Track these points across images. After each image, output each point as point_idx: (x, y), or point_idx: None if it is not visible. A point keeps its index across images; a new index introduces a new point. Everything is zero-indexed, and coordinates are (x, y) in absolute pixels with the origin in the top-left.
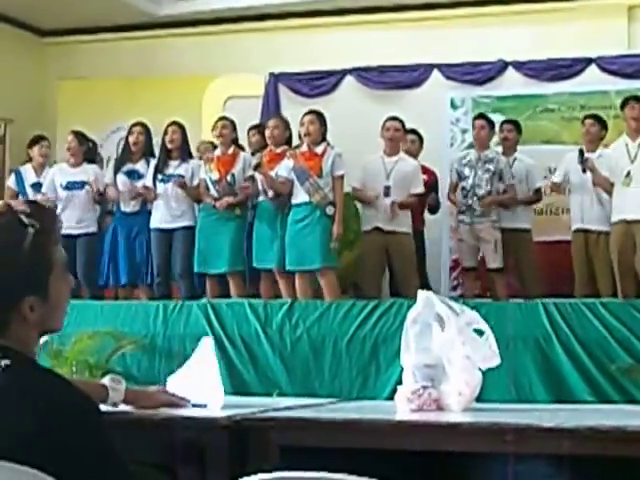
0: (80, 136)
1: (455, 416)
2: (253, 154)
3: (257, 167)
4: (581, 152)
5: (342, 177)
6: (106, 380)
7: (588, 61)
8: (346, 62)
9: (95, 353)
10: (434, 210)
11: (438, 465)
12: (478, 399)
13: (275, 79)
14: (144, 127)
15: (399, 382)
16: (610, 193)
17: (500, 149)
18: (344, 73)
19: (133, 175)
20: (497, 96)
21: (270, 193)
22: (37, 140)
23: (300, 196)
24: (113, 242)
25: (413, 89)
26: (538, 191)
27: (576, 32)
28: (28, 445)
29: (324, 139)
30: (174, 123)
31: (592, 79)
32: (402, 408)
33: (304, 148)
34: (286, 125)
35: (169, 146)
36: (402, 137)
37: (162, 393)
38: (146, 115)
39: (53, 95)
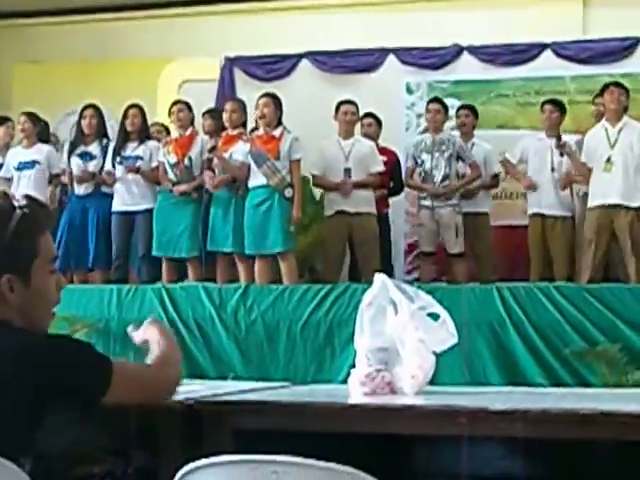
0: (33, 117)
1: (408, 399)
2: (210, 137)
3: (212, 150)
4: (558, 137)
5: (299, 160)
6: None
7: (543, 46)
8: (302, 46)
9: None
10: (396, 192)
11: (392, 447)
12: (432, 382)
13: (230, 63)
14: (96, 109)
15: (353, 366)
16: (587, 178)
17: (457, 133)
18: (300, 57)
19: (85, 157)
20: (452, 81)
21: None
22: (2, 121)
23: (258, 179)
24: (67, 225)
25: (369, 73)
26: (496, 176)
27: (531, 17)
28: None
29: (280, 122)
30: (134, 106)
31: (547, 64)
32: (355, 391)
33: (261, 132)
34: (244, 108)
35: (129, 128)
36: (356, 120)
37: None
38: (101, 98)
39: (8, 78)
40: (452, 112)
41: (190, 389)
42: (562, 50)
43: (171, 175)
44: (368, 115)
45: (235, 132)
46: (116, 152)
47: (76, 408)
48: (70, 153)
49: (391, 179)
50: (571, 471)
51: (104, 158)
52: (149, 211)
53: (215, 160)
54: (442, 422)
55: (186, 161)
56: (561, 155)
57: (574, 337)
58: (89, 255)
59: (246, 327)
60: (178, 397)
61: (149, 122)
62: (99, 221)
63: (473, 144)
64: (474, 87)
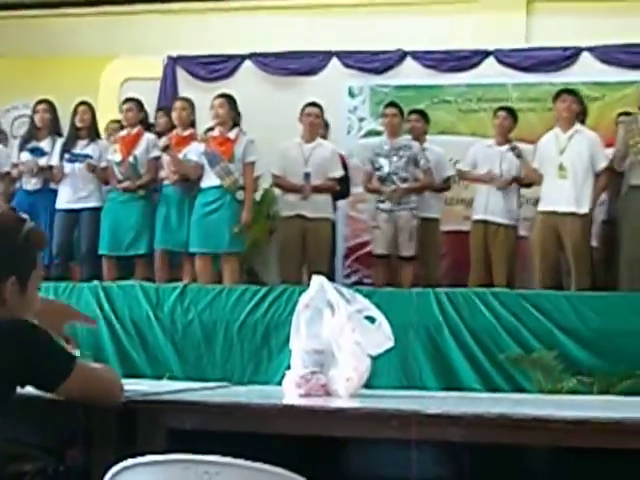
0: None
1: (342, 401)
2: (160, 135)
3: (166, 149)
4: (513, 147)
5: (253, 163)
6: None
7: (486, 53)
8: (246, 47)
9: None
10: (343, 196)
11: (326, 450)
12: (368, 386)
13: (173, 62)
14: (49, 104)
15: (289, 367)
16: (539, 184)
17: (410, 137)
18: (243, 58)
19: (36, 152)
20: (395, 85)
21: (175, 176)
22: None
23: (211, 180)
24: None
25: (311, 76)
26: (448, 180)
27: (475, 24)
28: None
29: (236, 124)
30: (84, 103)
31: (490, 71)
32: (290, 393)
33: (216, 132)
34: (192, 107)
35: (79, 125)
36: (320, 123)
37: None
38: (44, 94)
39: None
40: None
41: (126, 388)
42: (505, 58)
43: (117, 173)
44: None
45: (187, 133)
46: (65, 148)
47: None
48: (22, 147)
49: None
50: (504, 477)
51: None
52: (95, 209)
53: (168, 159)
54: (375, 425)
55: (131, 159)
56: (518, 157)
57: (510, 343)
58: None
59: (183, 327)
60: None
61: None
62: (47, 217)
63: (425, 149)
64: (416, 92)
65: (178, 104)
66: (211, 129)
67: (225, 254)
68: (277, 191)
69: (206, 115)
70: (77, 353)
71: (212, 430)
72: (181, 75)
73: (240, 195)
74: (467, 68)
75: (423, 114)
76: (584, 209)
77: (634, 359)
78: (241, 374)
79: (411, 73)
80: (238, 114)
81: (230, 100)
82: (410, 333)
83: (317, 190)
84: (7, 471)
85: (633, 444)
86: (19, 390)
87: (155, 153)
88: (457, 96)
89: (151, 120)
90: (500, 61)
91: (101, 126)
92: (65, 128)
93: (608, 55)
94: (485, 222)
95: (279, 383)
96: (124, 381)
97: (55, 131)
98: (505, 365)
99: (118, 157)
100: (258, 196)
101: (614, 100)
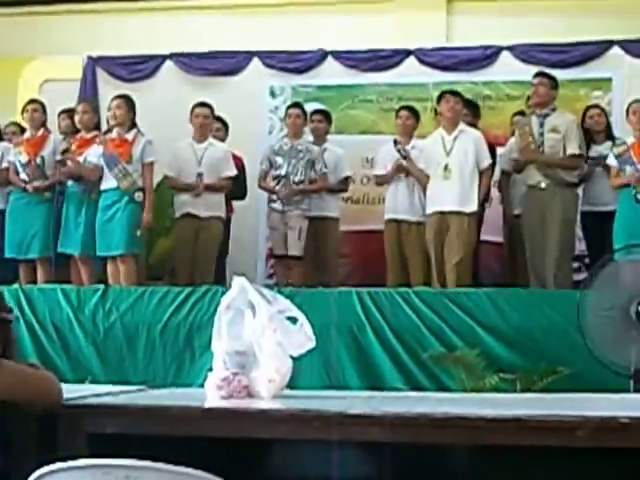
0: None
1: (264, 403)
2: (64, 138)
3: (65, 152)
4: (395, 142)
5: (152, 164)
6: None
7: (407, 53)
8: (167, 47)
9: None
10: (241, 197)
11: (249, 451)
12: (292, 386)
13: (93, 62)
14: None
15: (211, 369)
16: (425, 184)
17: (311, 140)
18: (163, 58)
19: None
20: (316, 85)
21: (78, 179)
22: None
23: (109, 182)
24: None
25: (233, 76)
26: (346, 180)
27: (396, 23)
28: None
29: (134, 125)
30: None
31: (410, 71)
32: (212, 395)
33: (114, 134)
34: (95, 110)
35: None
36: (210, 123)
37: None
38: None
39: None
40: None
41: None
42: (425, 57)
43: (23, 175)
44: (216, 119)
45: (90, 135)
46: None
47: None
48: None
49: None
50: (427, 475)
51: None
52: None
53: (69, 162)
54: (297, 426)
55: (38, 160)
56: (404, 158)
57: (433, 342)
58: None
59: (105, 330)
60: None
61: (8, 121)
62: None
63: (325, 149)
64: (338, 92)
65: (80, 107)
66: (109, 130)
67: (121, 255)
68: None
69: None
70: None
71: (134, 434)
72: (101, 75)
73: (139, 197)
74: (388, 67)
75: (326, 114)
76: (470, 208)
77: (555, 356)
78: (163, 377)
79: (332, 73)
80: (135, 114)
81: (128, 101)
82: (333, 333)
83: (210, 189)
84: None
85: (552, 441)
86: None
87: (61, 157)
88: (378, 95)
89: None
90: (421, 60)
91: None
92: None
93: (528, 54)
94: (397, 221)
95: (202, 385)
96: None
97: None
98: (428, 364)
99: (24, 158)
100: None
101: None
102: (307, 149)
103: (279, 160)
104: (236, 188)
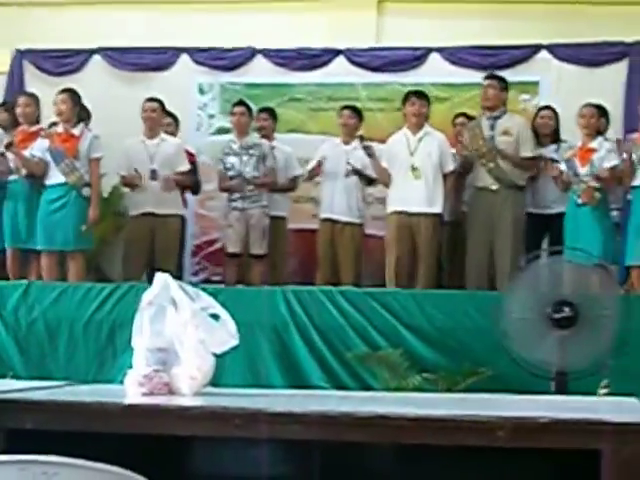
0: None
1: (185, 400)
2: (5, 131)
3: (9, 146)
4: (361, 138)
5: (99, 159)
6: None
7: (336, 52)
8: (95, 41)
9: None
10: (196, 191)
11: (169, 449)
12: (215, 384)
13: (21, 55)
14: None
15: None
16: (387, 183)
17: (259, 136)
18: (91, 52)
19: None
20: (245, 83)
21: (23, 172)
22: None
23: (55, 177)
24: None
25: (161, 72)
26: (295, 179)
27: (326, 23)
28: None
29: (81, 119)
30: None
31: (340, 70)
32: (133, 392)
33: (60, 129)
34: (37, 103)
35: None
36: (158, 118)
37: None
38: None
39: None
40: None
41: None
42: (355, 57)
43: None
44: (167, 114)
45: (34, 129)
46: None
47: None
48: None
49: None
50: (351, 473)
51: None
52: None
53: (12, 156)
54: (218, 424)
55: None
56: (369, 156)
57: (357, 341)
58: None
59: (27, 325)
60: None
61: None
62: None
63: (273, 147)
64: (267, 90)
65: (22, 100)
66: (55, 124)
67: (71, 251)
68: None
69: (53, 110)
70: None
71: (54, 430)
72: (28, 69)
73: (86, 192)
74: (317, 67)
75: (272, 112)
76: (436, 209)
77: (478, 357)
78: (85, 373)
79: (261, 71)
80: (83, 109)
81: (74, 95)
82: (257, 331)
83: (170, 183)
84: None
85: (473, 441)
86: None
87: (1, 149)
88: (307, 95)
89: None
90: (350, 60)
91: None
92: None
93: (456, 56)
94: (331, 220)
95: (123, 382)
96: None
97: None
98: (352, 363)
99: None
100: (106, 193)
101: (462, 101)
102: (256, 144)
103: (231, 160)
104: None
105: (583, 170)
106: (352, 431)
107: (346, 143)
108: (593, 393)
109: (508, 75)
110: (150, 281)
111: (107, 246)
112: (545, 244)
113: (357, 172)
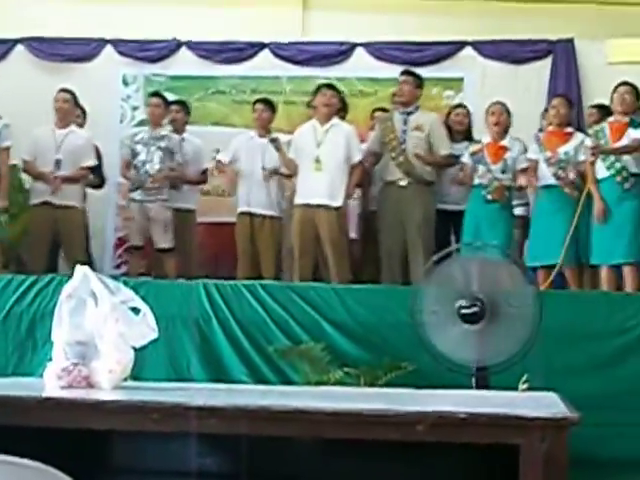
0: None
1: (104, 394)
2: None
3: None
4: (269, 132)
5: (8, 149)
6: None
7: (261, 46)
8: (19, 31)
9: None
10: (99, 186)
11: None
12: (136, 378)
13: None
14: None
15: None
16: (294, 175)
17: (170, 129)
18: (15, 42)
19: None
20: (170, 75)
21: None
22: None
23: None
24: None
25: (85, 63)
26: (205, 172)
27: (252, 16)
28: None
29: None
30: None
31: (265, 64)
32: (52, 385)
33: None
34: None
35: None
36: (70, 108)
37: None
38: None
39: None
40: None
41: None
42: (280, 51)
43: None
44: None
45: None
46: None
47: None
48: None
49: (92, 172)
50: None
51: None
52: None
53: None
54: (136, 418)
55: None
56: (277, 150)
57: (278, 335)
58: None
59: None
60: None
61: None
62: None
63: (184, 139)
64: (191, 83)
65: None
66: None
67: None
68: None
69: None
70: None
71: None
72: None
73: None
74: (242, 60)
75: (184, 104)
76: (338, 202)
77: (399, 351)
78: (4, 366)
79: (186, 63)
80: None
81: None
82: (179, 325)
83: (68, 181)
84: None
85: (393, 435)
86: None
87: None
88: (231, 87)
89: None
90: (275, 54)
91: None
92: None
93: (381, 52)
94: (250, 214)
95: (43, 375)
96: None
97: None
98: (273, 357)
99: None
100: (28, 183)
101: (386, 95)
102: (166, 137)
103: (138, 148)
104: (94, 177)
105: (495, 167)
106: (271, 425)
107: (261, 136)
108: (515, 388)
109: (433, 71)
110: (52, 271)
111: (28, 237)
112: (453, 240)
113: (274, 173)
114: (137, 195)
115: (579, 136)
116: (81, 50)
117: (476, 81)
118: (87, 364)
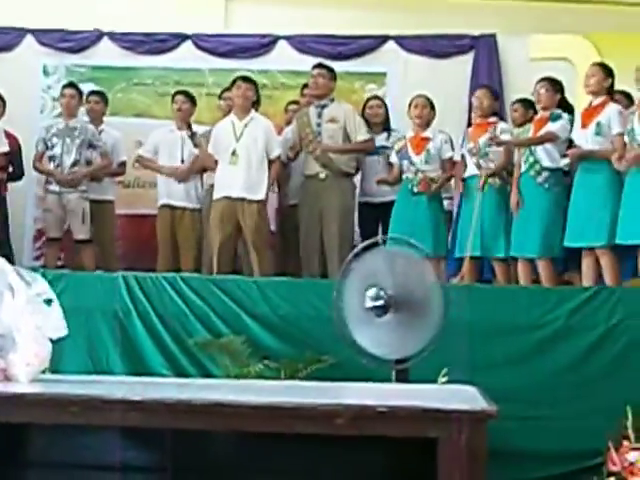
0: None
1: (22, 387)
2: None
3: None
4: (189, 127)
5: None
6: None
7: (184, 37)
8: None
9: None
10: (18, 177)
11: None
12: (54, 370)
13: None
14: None
15: None
16: (213, 169)
17: (86, 120)
18: None
19: None
20: (91, 66)
21: None
22: None
23: None
24: None
25: (5, 53)
26: (123, 164)
27: (175, 7)
28: None
29: None
30: None
31: (187, 55)
32: None
33: None
34: None
35: None
36: None
37: None
38: None
39: None
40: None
41: None
42: (202, 42)
43: None
44: None
45: None
46: None
47: None
48: None
49: (11, 164)
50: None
51: None
52: None
53: None
54: (54, 411)
55: None
56: (195, 146)
57: (199, 328)
58: None
59: None
60: None
61: None
62: None
63: (102, 131)
64: (113, 73)
65: None
66: None
67: None
68: None
69: None
70: None
71: None
72: None
73: None
74: (164, 51)
75: (102, 95)
76: (259, 195)
77: (320, 345)
78: None
79: (108, 54)
80: None
81: None
82: (98, 317)
83: None
84: None
85: (312, 428)
86: None
87: None
88: (154, 79)
89: None
90: (197, 46)
91: None
92: None
93: (305, 45)
94: (171, 206)
95: None
96: None
97: None
98: (193, 350)
99: None
100: None
101: None
102: (82, 128)
103: (54, 140)
104: (13, 168)
105: (417, 159)
106: (190, 419)
107: (180, 129)
108: (435, 381)
109: (356, 65)
110: None
111: None
112: (380, 233)
113: (197, 145)
114: (54, 186)
115: (500, 125)
116: (1, 39)
117: (399, 75)
118: (4, 357)
